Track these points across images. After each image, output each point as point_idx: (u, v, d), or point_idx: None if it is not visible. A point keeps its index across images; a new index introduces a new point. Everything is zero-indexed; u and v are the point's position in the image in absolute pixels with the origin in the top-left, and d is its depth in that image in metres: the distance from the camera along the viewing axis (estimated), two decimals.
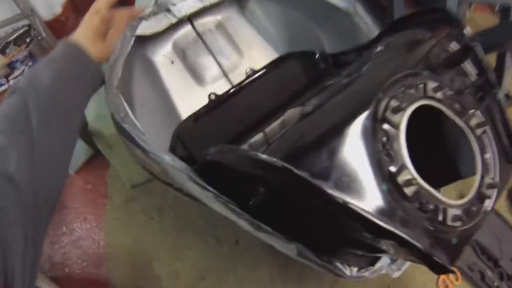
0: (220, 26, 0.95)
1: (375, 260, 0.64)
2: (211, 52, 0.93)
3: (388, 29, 0.68)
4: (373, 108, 0.42)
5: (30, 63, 1.42)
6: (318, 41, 0.93)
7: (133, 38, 0.69)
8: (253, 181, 0.52)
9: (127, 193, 0.93)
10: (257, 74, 0.91)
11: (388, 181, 0.41)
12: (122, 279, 0.84)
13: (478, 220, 0.50)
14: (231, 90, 0.89)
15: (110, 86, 0.63)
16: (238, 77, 0.92)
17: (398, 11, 1.07)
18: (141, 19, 0.72)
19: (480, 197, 0.51)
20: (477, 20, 1.63)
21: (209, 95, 0.89)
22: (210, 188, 0.55)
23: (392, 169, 0.41)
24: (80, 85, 0.62)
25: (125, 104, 0.62)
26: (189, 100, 0.87)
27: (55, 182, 0.53)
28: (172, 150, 0.79)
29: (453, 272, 0.97)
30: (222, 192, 0.55)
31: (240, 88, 0.89)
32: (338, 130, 0.39)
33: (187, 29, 0.91)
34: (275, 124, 0.64)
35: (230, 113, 0.87)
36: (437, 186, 0.47)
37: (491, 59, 0.68)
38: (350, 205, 0.35)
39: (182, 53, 0.90)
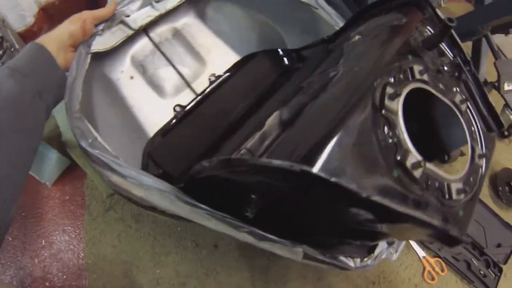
0: (177, 34, 0.91)
1: (373, 248, 0.65)
2: (170, 62, 0.88)
3: (356, 17, 0.68)
4: (371, 97, 0.41)
5: None
6: (280, 39, 0.92)
7: (89, 56, 0.63)
8: (246, 190, 0.49)
9: (104, 202, 0.91)
10: (220, 79, 0.89)
11: (398, 166, 0.41)
12: None
13: (476, 190, 0.52)
14: (196, 99, 0.85)
15: (71, 110, 0.57)
16: (201, 85, 0.89)
17: None
18: (95, 34, 0.66)
19: (475, 167, 0.53)
20: (452, 9, 1.70)
21: (174, 108, 0.84)
22: (203, 206, 0.51)
23: (399, 154, 0.41)
24: (44, 96, 0.57)
25: (91, 129, 0.56)
26: (154, 115, 0.82)
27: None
28: (144, 169, 0.74)
29: (466, 242, 1.00)
30: (213, 208, 0.51)
31: (205, 96, 0.86)
32: (342, 125, 0.37)
33: (143, 41, 0.86)
34: (256, 137, 0.61)
35: (199, 123, 0.83)
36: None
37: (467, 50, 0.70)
38: (374, 198, 0.34)
39: (141, 67, 0.85)
